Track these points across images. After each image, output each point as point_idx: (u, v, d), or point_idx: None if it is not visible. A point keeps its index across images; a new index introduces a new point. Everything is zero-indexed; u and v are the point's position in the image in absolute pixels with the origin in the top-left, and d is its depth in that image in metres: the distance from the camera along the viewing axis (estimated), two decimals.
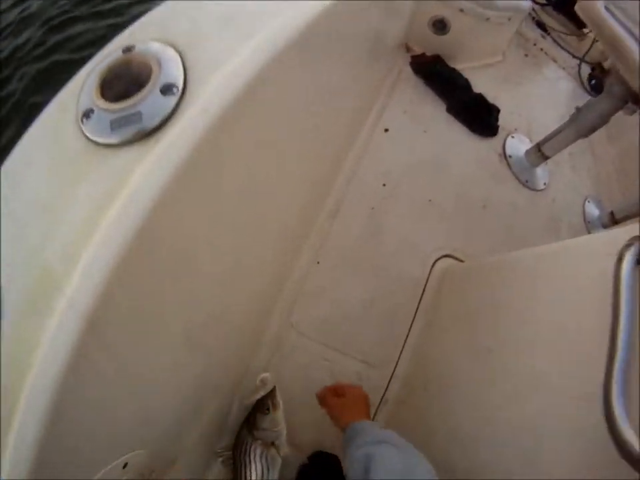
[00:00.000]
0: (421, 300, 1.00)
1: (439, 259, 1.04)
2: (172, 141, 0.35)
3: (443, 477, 0.51)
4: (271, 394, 0.81)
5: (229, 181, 0.48)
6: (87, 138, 0.36)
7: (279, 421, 0.79)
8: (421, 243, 1.03)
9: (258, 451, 0.78)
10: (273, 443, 0.79)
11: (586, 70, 1.65)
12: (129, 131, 0.36)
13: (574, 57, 1.63)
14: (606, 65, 1.70)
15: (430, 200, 1.05)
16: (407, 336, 0.99)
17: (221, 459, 0.82)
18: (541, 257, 0.79)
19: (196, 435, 0.79)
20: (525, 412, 0.64)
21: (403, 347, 0.99)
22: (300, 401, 0.88)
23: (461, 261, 1.06)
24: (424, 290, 1.01)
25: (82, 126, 0.37)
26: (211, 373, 0.74)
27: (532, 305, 0.73)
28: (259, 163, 0.55)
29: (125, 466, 0.48)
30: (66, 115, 0.38)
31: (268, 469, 0.79)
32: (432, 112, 1.15)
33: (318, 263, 0.94)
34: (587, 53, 1.64)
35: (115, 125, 0.36)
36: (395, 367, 0.99)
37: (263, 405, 0.80)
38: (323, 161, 0.90)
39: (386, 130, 1.07)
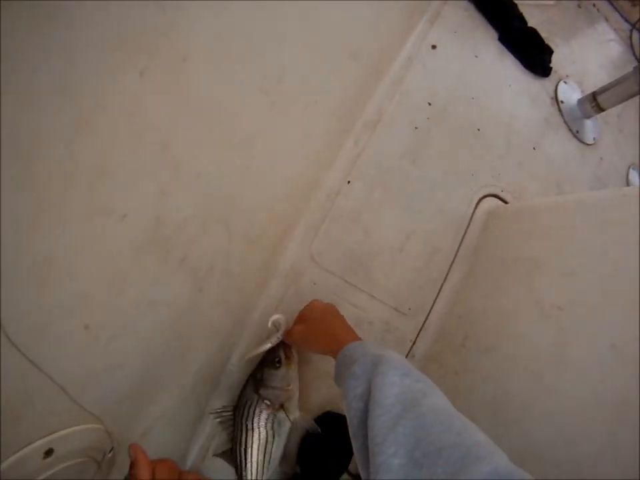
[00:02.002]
0: (462, 241, 0.86)
1: (483, 197, 0.89)
2: None
3: None
4: (285, 343, 0.65)
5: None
6: None
7: (292, 378, 0.64)
8: (467, 177, 0.88)
9: (263, 415, 0.62)
10: (282, 405, 0.63)
11: (637, 38, 1.54)
12: None
13: (626, 21, 1.51)
14: None
15: (479, 129, 0.91)
16: (444, 282, 0.85)
17: (219, 420, 0.65)
18: (611, 202, 0.65)
19: (176, 390, 0.62)
20: (602, 390, 0.50)
21: (438, 294, 0.84)
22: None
23: (506, 202, 0.92)
24: (466, 231, 0.87)
25: None
26: (204, 303, 0.55)
27: (604, 256, 0.59)
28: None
29: (48, 453, 0.32)
30: None
31: (273, 437, 0.63)
32: (484, 38, 1.01)
33: (349, 182, 0.79)
34: (638, 20, 1.53)
35: None
36: (427, 316, 0.84)
37: (274, 357, 0.64)
38: (363, 63, 0.75)
39: (433, 47, 0.92)
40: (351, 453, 0.79)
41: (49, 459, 0.32)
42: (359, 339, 0.56)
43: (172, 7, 0.27)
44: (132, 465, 0.38)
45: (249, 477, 0.64)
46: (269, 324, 0.67)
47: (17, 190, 0.22)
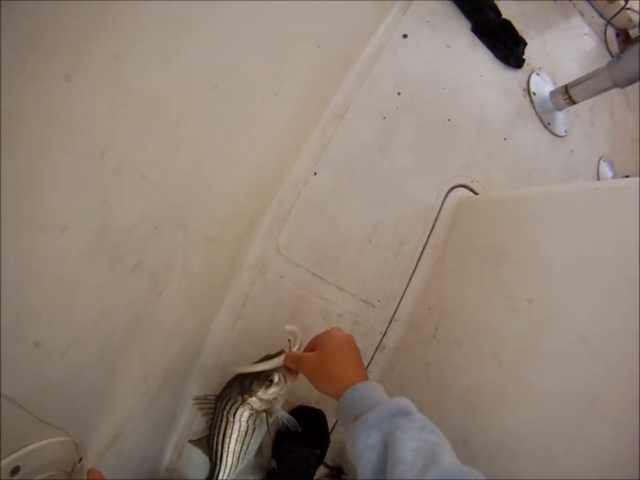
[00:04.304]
0: (431, 232, 0.86)
1: (453, 188, 0.89)
2: None
3: (453, 446, 0.41)
4: (286, 368, 0.61)
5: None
6: None
7: (280, 397, 0.61)
8: (436, 167, 0.88)
9: (246, 413, 0.61)
10: (265, 410, 0.62)
11: (611, 34, 1.56)
12: None
13: (601, 16, 1.53)
14: (632, 33, 1.61)
15: (449, 120, 0.90)
16: (413, 273, 0.84)
17: (198, 407, 0.64)
18: (583, 195, 0.64)
19: (143, 391, 0.59)
20: (571, 379, 0.51)
21: (408, 285, 0.84)
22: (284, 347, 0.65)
23: (476, 193, 0.92)
24: (435, 221, 0.86)
25: None
26: (165, 306, 0.52)
27: (574, 250, 0.59)
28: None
29: (14, 471, 0.32)
30: None
31: (253, 430, 0.62)
32: (456, 28, 1.00)
33: (315, 174, 0.77)
34: (614, 16, 1.55)
35: None
36: (397, 308, 0.84)
37: (268, 376, 0.60)
38: (330, 52, 0.73)
39: (404, 36, 0.91)
40: (327, 446, 0.80)
41: (16, 477, 0.32)
42: (367, 378, 0.52)
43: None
44: None
45: (224, 466, 0.63)
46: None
47: None
